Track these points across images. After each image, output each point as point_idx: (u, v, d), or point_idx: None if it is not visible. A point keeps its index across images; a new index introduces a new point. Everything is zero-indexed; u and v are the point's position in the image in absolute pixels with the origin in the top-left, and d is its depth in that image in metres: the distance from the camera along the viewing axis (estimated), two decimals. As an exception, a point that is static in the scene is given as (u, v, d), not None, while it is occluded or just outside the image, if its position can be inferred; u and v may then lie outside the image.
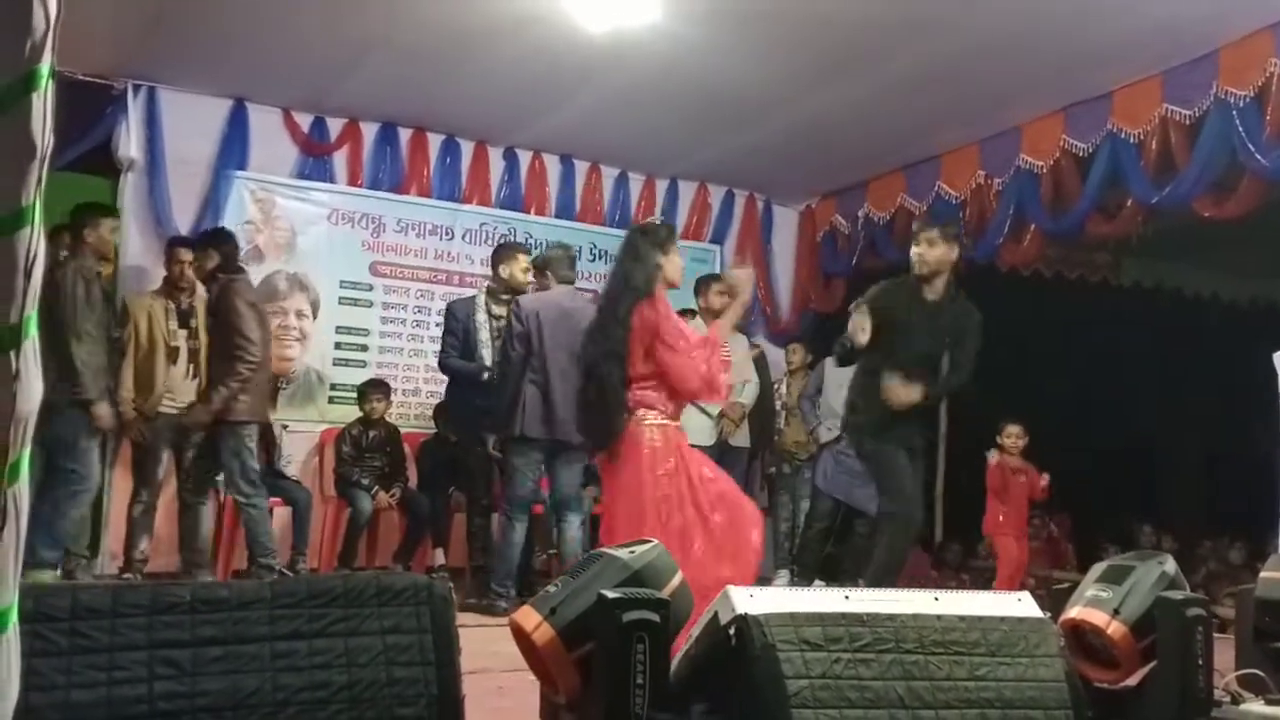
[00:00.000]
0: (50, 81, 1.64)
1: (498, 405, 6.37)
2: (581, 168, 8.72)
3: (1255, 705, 3.26)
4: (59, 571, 6.07)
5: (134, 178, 7.32)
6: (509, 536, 6.32)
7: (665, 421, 4.74)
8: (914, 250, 5.57)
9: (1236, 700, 3.36)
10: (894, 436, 5.45)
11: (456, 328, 6.97)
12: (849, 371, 7.91)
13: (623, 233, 8.66)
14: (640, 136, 8.04)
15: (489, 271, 7.87)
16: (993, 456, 7.75)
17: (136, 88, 7.28)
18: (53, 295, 5.70)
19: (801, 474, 8.27)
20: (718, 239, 9.20)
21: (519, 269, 6.91)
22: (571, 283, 6.59)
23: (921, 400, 5.42)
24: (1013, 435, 7.72)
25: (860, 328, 5.37)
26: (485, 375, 6.81)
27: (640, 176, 8.91)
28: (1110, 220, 7.17)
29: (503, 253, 7.12)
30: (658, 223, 5.17)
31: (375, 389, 7.54)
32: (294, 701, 2.51)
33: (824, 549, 7.99)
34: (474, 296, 7.20)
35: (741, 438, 7.88)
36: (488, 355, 6.86)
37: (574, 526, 6.41)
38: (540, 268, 6.63)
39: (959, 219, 7.41)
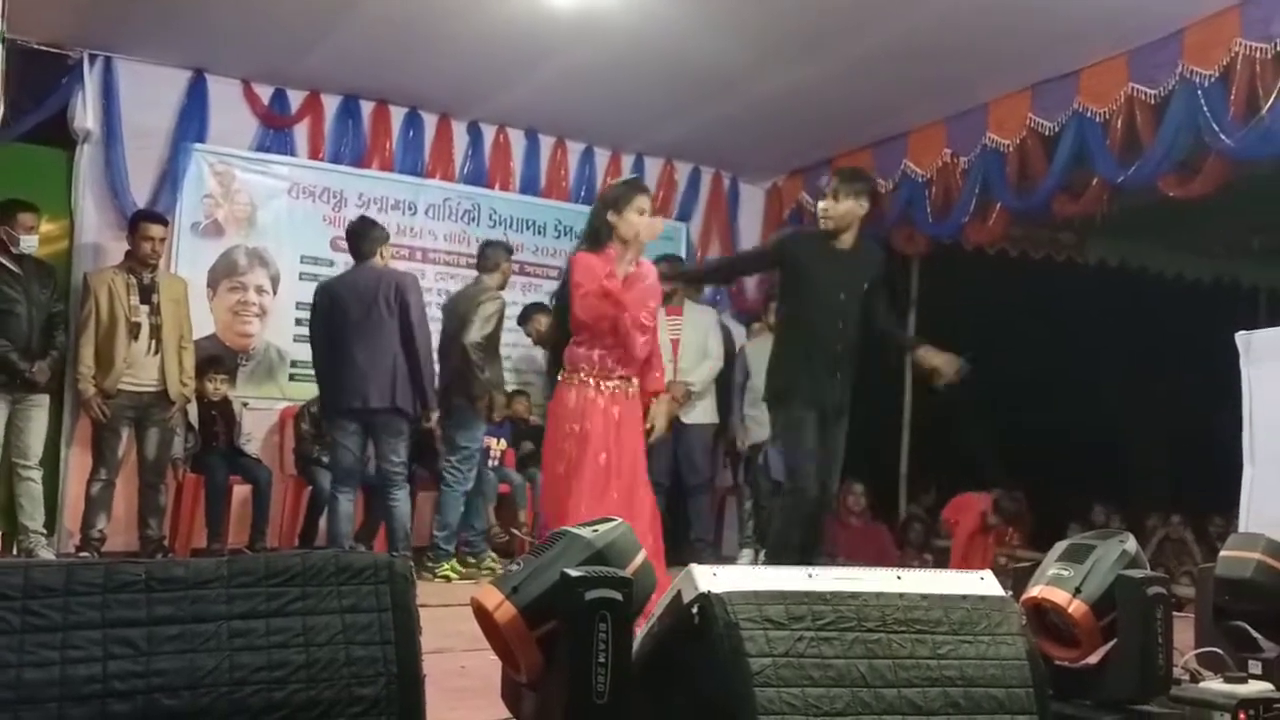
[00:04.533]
0: (1, 49, 1.60)
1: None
2: (547, 142, 8.66)
3: (1214, 683, 3.27)
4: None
5: (90, 149, 7.21)
6: (336, 510, 6.37)
7: (589, 380, 4.78)
8: (820, 204, 5.57)
9: (1195, 678, 3.38)
10: (803, 399, 5.40)
11: None
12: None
13: (589, 209, 8.75)
14: (606, 111, 7.99)
15: (451, 247, 7.85)
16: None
17: (93, 57, 7.15)
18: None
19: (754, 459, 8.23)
20: (684, 216, 9.16)
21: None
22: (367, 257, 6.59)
23: (954, 373, 5.42)
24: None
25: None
26: None
27: (606, 151, 8.86)
28: (1076, 199, 7.19)
29: None
30: (620, 181, 5.26)
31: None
32: (251, 681, 2.47)
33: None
34: None
35: (704, 414, 7.85)
36: None
37: (401, 502, 6.45)
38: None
39: (869, 176, 7.44)
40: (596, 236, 4.88)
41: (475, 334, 6.76)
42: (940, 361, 5.48)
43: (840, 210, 5.42)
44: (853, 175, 5.73)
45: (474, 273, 7.41)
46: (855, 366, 5.53)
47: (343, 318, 6.36)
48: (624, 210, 4.85)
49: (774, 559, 5.30)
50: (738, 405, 7.98)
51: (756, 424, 7.75)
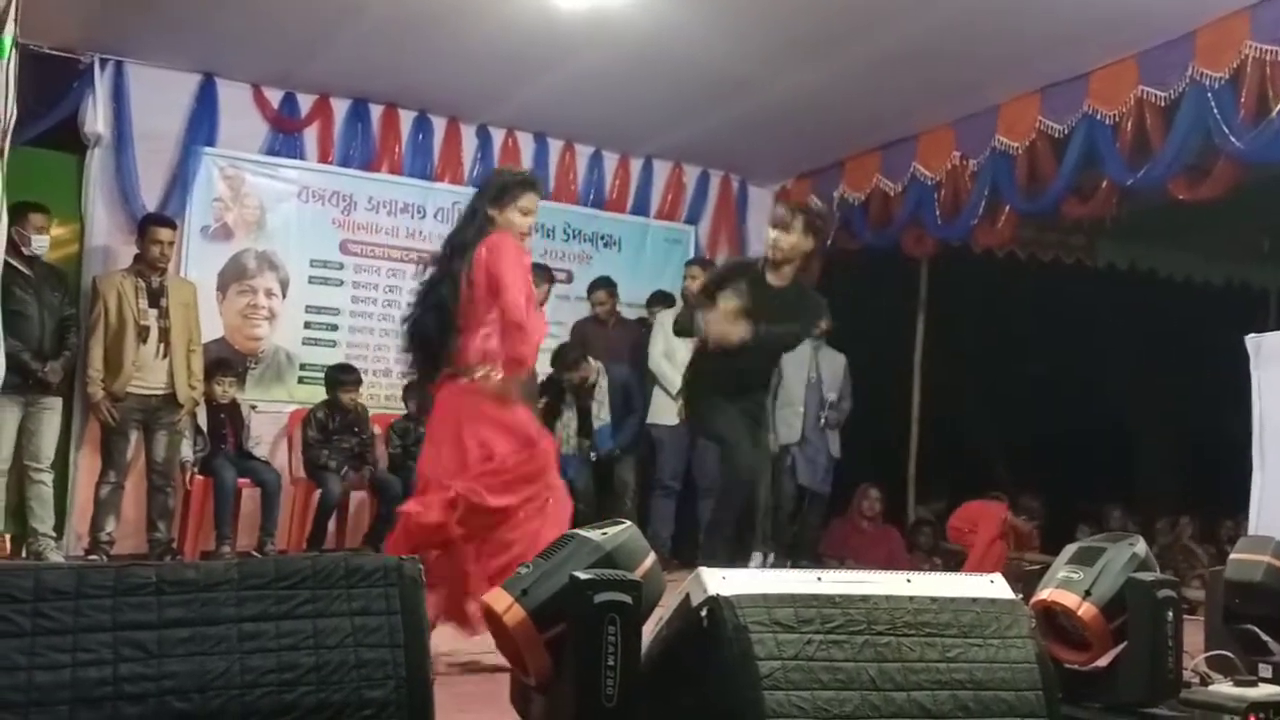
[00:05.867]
0: (13, 53, 1.60)
1: None
2: (555, 146, 8.66)
3: (1224, 686, 3.26)
4: None
5: (100, 153, 7.24)
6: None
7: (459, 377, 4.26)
8: (771, 233, 5.47)
9: (1205, 681, 3.37)
10: (736, 407, 5.48)
11: None
12: (802, 355, 7.81)
13: (597, 212, 8.79)
14: (615, 115, 7.99)
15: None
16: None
17: (104, 62, 7.18)
18: None
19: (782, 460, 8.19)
20: (692, 219, 9.16)
21: None
22: None
23: (744, 339, 5.23)
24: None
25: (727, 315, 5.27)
26: None
27: (615, 155, 8.86)
28: (1085, 202, 7.20)
29: None
30: (509, 170, 4.76)
31: (348, 375, 7.48)
32: (261, 683, 2.47)
33: (792, 530, 8.03)
34: None
35: None
36: None
37: None
38: None
39: (829, 211, 7.35)
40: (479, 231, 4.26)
41: None
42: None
43: (789, 243, 5.40)
44: (807, 209, 5.71)
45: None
46: (763, 390, 5.82)
47: None
48: (505, 207, 4.26)
49: (709, 555, 5.26)
50: (770, 406, 7.92)
51: (786, 425, 7.74)
